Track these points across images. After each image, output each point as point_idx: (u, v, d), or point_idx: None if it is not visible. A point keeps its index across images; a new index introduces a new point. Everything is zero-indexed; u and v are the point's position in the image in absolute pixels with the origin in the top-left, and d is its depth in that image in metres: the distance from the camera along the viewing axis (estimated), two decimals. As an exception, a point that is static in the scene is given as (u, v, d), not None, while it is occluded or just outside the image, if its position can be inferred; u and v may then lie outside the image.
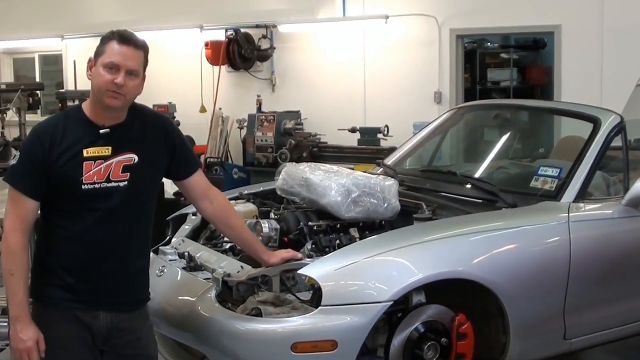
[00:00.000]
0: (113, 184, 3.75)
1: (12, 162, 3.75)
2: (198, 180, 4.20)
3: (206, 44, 12.46)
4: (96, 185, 3.72)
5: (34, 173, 3.67)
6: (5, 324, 5.60)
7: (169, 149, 4.00)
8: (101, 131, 3.76)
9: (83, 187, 3.69)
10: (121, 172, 3.77)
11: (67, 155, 3.68)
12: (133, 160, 3.81)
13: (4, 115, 11.97)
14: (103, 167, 3.74)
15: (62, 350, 3.79)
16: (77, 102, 11.36)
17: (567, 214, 5.18)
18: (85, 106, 3.81)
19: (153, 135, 3.93)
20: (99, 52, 3.72)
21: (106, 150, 3.75)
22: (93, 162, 3.72)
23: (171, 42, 13.43)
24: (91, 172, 3.70)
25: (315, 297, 4.41)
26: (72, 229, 3.75)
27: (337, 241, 5.02)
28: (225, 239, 5.51)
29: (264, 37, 12.63)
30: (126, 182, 3.78)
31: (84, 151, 3.71)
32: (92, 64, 3.75)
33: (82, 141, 3.72)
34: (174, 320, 4.65)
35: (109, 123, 3.78)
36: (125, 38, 3.73)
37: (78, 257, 3.77)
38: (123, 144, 3.80)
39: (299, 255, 4.63)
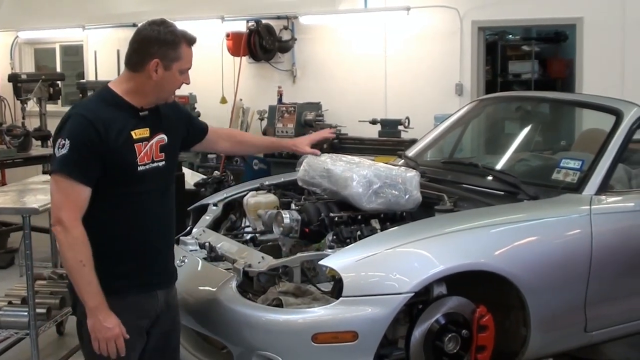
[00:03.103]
0: (156, 164, 3.90)
1: (62, 151, 3.65)
2: (211, 132, 4.54)
3: (227, 35, 12.45)
4: (147, 166, 3.85)
5: (91, 160, 3.67)
6: (25, 313, 5.67)
7: (183, 123, 4.23)
8: (141, 114, 3.88)
9: (139, 168, 3.81)
10: (159, 152, 3.92)
11: (121, 138, 3.75)
12: (164, 140, 3.95)
13: (25, 105, 12.00)
14: (148, 148, 3.86)
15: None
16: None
17: (588, 207, 5.17)
18: (119, 89, 3.87)
19: (172, 114, 4.10)
20: (173, 57, 3.83)
21: (146, 132, 3.88)
22: (141, 143, 3.83)
23: (192, 33, 13.41)
24: (142, 154, 3.83)
25: (336, 288, 4.42)
26: (129, 212, 3.84)
27: (358, 232, 5.01)
28: (247, 229, 5.54)
29: (285, 28, 12.60)
30: (164, 162, 3.94)
31: (132, 133, 3.81)
32: (158, 65, 3.80)
33: (128, 124, 3.80)
34: (195, 310, 4.67)
35: (146, 106, 3.90)
36: (193, 40, 3.96)
37: (137, 239, 3.87)
38: (156, 125, 3.93)
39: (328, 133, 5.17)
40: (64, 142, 3.67)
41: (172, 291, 4.17)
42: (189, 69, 3.95)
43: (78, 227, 3.66)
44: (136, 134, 3.82)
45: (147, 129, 3.87)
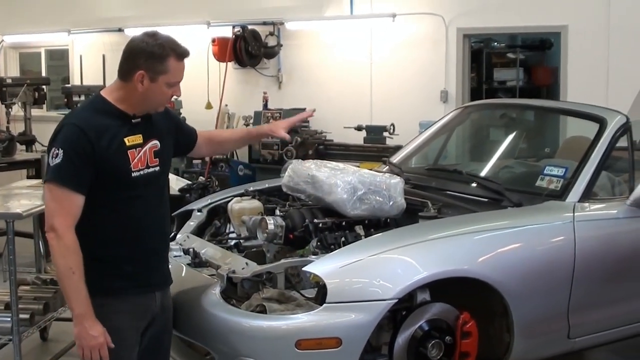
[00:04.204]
0: (151, 169, 3.97)
1: (55, 161, 3.71)
2: (200, 138, 4.58)
3: (213, 41, 12.45)
4: (141, 172, 3.91)
5: (84, 168, 3.73)
6: (8, 318, 5.65)
7: (173, 129, 4.27)
8: (134, 121, 3.93)
9: (133, 174, 3.87)
10: (153, 158, 3.98)
11: (114, 146, 3.81)
12: (157, 146, 4.02)
13: (10, 109, 11.96)
14: (142, 155, 3.92)
15: (118, 340, 3.87)
16: (82, 97, 11.43)
17: (572, 214, 5.19)
18: (111, 97, 3.92)
19: (162, 120, 4.14)
20: (159, 70, 3.85)
21: (139, 138, 3.94)
22: (134, 149, 3.89)
23: (178, 38, 13.39)
24: (136, 160, 3.89)
25: (320, 295, 4.42)
26: (125, 217, 3.89)
27: (343, 239, 5.01)
28: (231, 235, 5.54)
29: (271, 34, 12.62)
30: (158, 167, 4.01)
31: (125, 140, 3.87)
32: (144, 77, 3.83)
33: (121, 131, 3.86)
34: (178, 316, 4.65)
35: (138, 114, 3.95)
36: (183, 54, 3.98)
37: (134, 242, 3.93)
38: (149, 132, 3.99)
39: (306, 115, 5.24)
40: (57, 151, 3.73)
41: (167, 293, 4.25)
42: (179, 82, 3.97)
43: (70, 235, 3.72)
44: (129, 140, 3.88)
45: (140, 135, 3.93)
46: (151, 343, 4.13)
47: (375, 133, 11.03)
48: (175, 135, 4.28)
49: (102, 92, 3.97)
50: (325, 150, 11.16)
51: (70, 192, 3.71)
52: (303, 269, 4.53)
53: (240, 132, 5.17)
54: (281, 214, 5.32)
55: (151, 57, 3.82)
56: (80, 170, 3.72)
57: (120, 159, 3.84)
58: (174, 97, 4.03)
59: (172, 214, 6.01)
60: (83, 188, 3.74)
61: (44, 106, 13.76)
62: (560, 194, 5.37)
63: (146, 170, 3.93)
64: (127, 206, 3.89)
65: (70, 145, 3.73)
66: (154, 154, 3.99)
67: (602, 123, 5.65)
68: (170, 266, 4.94)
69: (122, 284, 3.91)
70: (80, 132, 3.73)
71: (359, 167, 5.93)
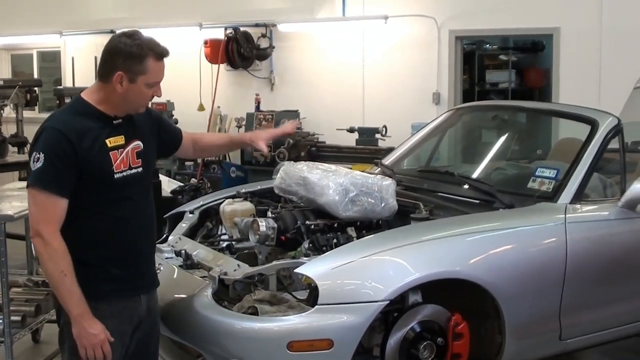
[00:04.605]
0: (134, 170, 3.93)
1: (37, 165, 3.68)
2: (187, 139, 4.56)
3: (205, 42, 12.45)
4: (124, 173, 3.87)
5: (66, 171, 3.70)
6: (0, 320, 5.64)
7: (156, 129, 4.22)
8: (115, 122, 3.90)
9: (115, 176, 3.84)
10: (136, 159, 3.95)
11: (95, 147, 3.78)
12: (140, 147, 3.99)
13: (2, 111, 11.92)
14: (124, 156, 3.89)
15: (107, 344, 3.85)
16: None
17: (564, 215, 5.19)
18: (91, 99, 3.88)
19: (143, 120, 4.10)
20: (138, 70, 3.80)
21: (121, 139, 3.90)
22: (116, 151, 3.86)
23: (170, 40, 13.27)
24: (118, 161, 3.85)
25: (312, 296, 4.42)
26: (109, 219, 3.86)
27: (334, 240, 5.02)
28: (223, 237, 5.54)
29: (264, 36, 12.62)
30: (141, 168, 3.97)
31: (107, 141, 3.83)
32: (123, 78, 3.79)
33: (103, 132, 3.83)
34: (170, 318, 4.65)
35: (119, 115, 3.91)
36: (162, 54, 3.89)
37: (120, 246, 3.90)
38: (131, 132, 3.96)
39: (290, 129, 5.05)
40: (38, 155, 3.70)
41: (154, 296, 4.21)
42: (158, 82, 3.92)
43: (57, 239, 3.69)
44: (111, 142, 3.85)
45: (122, 136, 3.90)
46: (139, 347, 4.10)
47: (367, 135, 11.04)
48: (159, 135, 4.25)
49: (82, 94, 3.93)
50: (318, 152, 11.15)
51: (53, 196, 3.69)
52: (295, 270, 4.53)
53: (223, 138, 5.12)
54: (273, 215, 5.32)
55: (129, 58, 3.78)
56: (62, 173, 3.69)
57: (103, 161, 3.80)
58: (156, 97, 3.98)
59: (164, 216, 6.03)
60: (66, 191, 3.71)
61: (36, 108, 13.73)
62: (552, 196, 5.38)
63: (129, 172, 3.90)
64: (111, 208, 3.86)
65: (51, 148, 3.69)
66: (136, 155, 3.96)
67: (593, 125, 5.66)
68: (162, 268, 4.97)
69: (108, 287, 3.88)
70: (60, 135, 3.70)
71: (351, 168, 5.93)
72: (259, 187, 6.28)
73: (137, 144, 3.98)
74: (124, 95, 3.82)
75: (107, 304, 3.87)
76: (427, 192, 5.84)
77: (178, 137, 4.51)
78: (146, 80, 3.83)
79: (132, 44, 3.79)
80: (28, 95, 12.01)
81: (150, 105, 4.15)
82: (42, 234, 3.68)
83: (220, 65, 12.50)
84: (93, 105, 3.86)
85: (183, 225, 5.85)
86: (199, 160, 11.77)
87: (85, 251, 3.81)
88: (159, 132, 4.25)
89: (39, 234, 3.69)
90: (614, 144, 5.64)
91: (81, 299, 3.73)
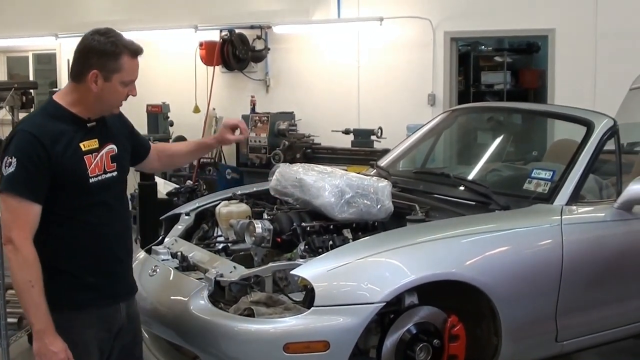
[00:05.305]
0: (109, 174, 3.82)
1: (9, 170, 3.56)
2: (153, 150, 4.39)
3: (200, 44, 12.46)
4: (99, 177, 3.76)
5: (39, 176, 3.59)
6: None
7: (128, 135, 4.12)
8: (88, 125, 3.78)
9: (90, 180, 3.72)
10: (111, 163, 3.84)
11: (69, 151, 3.66)
12: (114, 151, 3.88)
13: (-3, 113, 11.94)
14: (99, 160, 3.78)
15: (85, 354, 3.77)
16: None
17: (559, 217, 5.19)
18: (64, 101, 3.77)
19: (117, 124, 4.01)
20: (113, 68, 3.69)
21: (95, 143, 3.79)
22: (91, 155, 3.75)
23: (165, 42, 13.43)
24: (93, 165, 3.74)
25: (308, 298, 4.41)
26: (85, 225, 3.75)
27: (330, 242, 5.01)
28: (219, 239, 5.54)
29: (259, 37, 12.63)
30: (116, 172, 3.86)
31: (81, 145, 3.72)
32: (98, 77, 3.69)
33: (76, 136, 3.71)
34: (166, 320, 4.66)
35: (93, 117, 3.80)
36: (137, 51, 3.79)
37: (96, 252, 3.79)
38: (104, 136, 3.85)
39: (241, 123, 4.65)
40: (10, 160, 3.58)
41: (133, 303, 4.10)
42: (133, 80, 3.81)
43: (28, 247, 3.57)
44: (85, 145, 3.74)
45: (96, 139, 3.79)
46: (123, 354, 4.01)
47: (362, 136, 11.04)
48: (131, 140, 4.13)
49: (55, 97, 3.82)
50: (313, 153, 11.16)
51: (26, 202, 3.56)
52: (291, 272, 4.53)
53: (190, 144, 4.93)
54: (269, 217, 5.31)
55: (104, 56, 3.67)
56: (35, 178, 3.58)
57: (77, 165, 3.68)
58: (131, 95, 3.84)
59: (160, 218, 6.02)
60: (39, 197, 3.59)
61: (32, 110, 13.72)
62: (548, 197, 5.38)
63: (104, 176, 3.79)
64: (86, 214, 3.74)
65: (24, 153, 3.57)
66: (111, 159, 3.84)
67: (589, 126, 5.66)
68: (158, 270, 4.97)
69: (86, 296, 3.77)
70: (33, 139, 3.58)
71: (346, 170, 5.93)
72: (254, 189, 6.28)
73: (111, 147, 3.87)
74: (99, 94, 3.71)
75: (85, 313, 3.76)
76: (423, 194, 5.84)
77: (146, 148, 4.34)
78: (121, 78, 3.72)
79: (107, 42, 3.69)
80: (24, 98, 11.96)
81: (123, 105, 4.02)
82: (13, 241, 3.55)
83: (216, 67, 12.52)
84: (66, 108, 3.74)
85: (179, 227, 5.84)
86: (195, 162, 11.78)
87: (61, 259, 3.70)
88: (131, 138, 4.14)
89: (10, 241, 3.56)
90: (610, 145, 5.64)
91: (45, 314, 3.59)
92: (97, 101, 3.74)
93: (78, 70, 3.74)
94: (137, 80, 3.80)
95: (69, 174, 3.66)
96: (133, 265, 4.47)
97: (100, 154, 3.80)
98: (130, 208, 4.08)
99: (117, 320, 3.91)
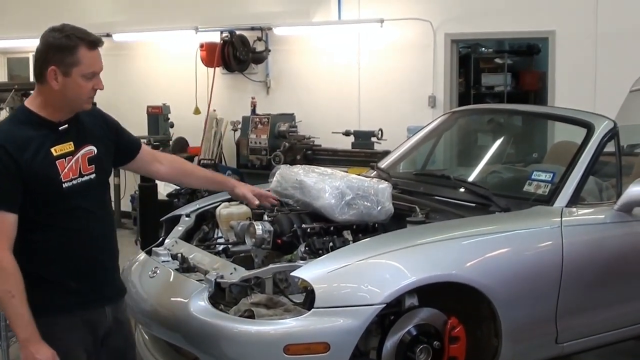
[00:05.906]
0: (86, 177, 3.76)
1: None
2: (144, 151, 4.31)
3: (201, 46, 12.44)
4: (74, 182, 3.70)
5: (10, 185, 3.54)
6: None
7: (112, 135, 4.03)
8: (60, 128, 3.72)
9: (64, 185, 3.66)
10: (88, 165, 3.77)
11: (39, 158, 3.60)
12: (93, 152, 3.81)
13: (-3, 114, 11.97)
14: (73, 163, 3.71)
15: (72, 359, 3.74)
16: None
17: (559, 219, 5.20)
18: (34, 106, 3.71)
19: (97, 124, 3.94)
20: (70, 62, 3.62)
21: (69, 146, 3.72)
22: (64, 159, 3.68)
23: (166, 44, 13.42)
24: (66, 170, 3.67)
25: (308, 300, 4.42)
26: (63, 231, 3.70)
27: (331, 244, 5.03)
28: (219, 240, 5.54)
29: (259, 39, 12.60)
30: (94, 174, 3.80)
31: (52, 150, 3.66)
32: (57, 73, 3.62)
33: (47, 141, 3.66)
34: (166, 321, 4.66)
35: (64, 119, 3.74)
36: (94, 42, 3.72)
37: (76, 257, 3.73)
38: (81, 137, 3.79)
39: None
40: None
41: (121, 306, 4.06)
42: (96, 73, 3.72)
43: (7, 257, 3.53)
44: (57, 150, 3.67)
45: (71, 143, 3.73)
46: (114, 357, 4.00)
47: (363, 138, 11.02)
48: (117, 141, 4.05)
49: (26, 102, 3.76)
50: (313, 155, 11.14)
51: (1, 212, 3.53)
52: (291, 274, 4.54)
53: (209, 174, 4.84)
54: (269, 219, 5.32)
55: (60, 50, 3.61)
56: (6, 187, 3.53)
57: (48, 171, 3.62)
58: (98, 89, 3.74)
59: (161, 219, 6.02)
60: (13, 206, 3.55)
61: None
62: (548, 199, 5.38)
63: (80, 179, 3.72)
64: (63, 219, 3.70)
65: None
66: (88, 161, 3.77)
67: (589, 128, 5.67)
68: (158, 271, 4.97)
69: (69, 301, 3.72)
70: (0, 148, 3.53)
71: (347, 172, 5.94)
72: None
73: (90, 149, 3.80)
74: (61, 91, 3.63)
75: (69, 317, 3.73)
76: (423, 196, 5.85)
77: (135, 147, 4.26)
78: (81, 72, 3.64)
79: (61, 37, 3.64)
80: (24, 99, 11.99)
81: (94, 102, 3.89)
82: None
83: (216, 68, 12.48)
84: (35, 113, 3.69)
85: (179, 229, 5.85)
86: (194, 163, 11.75)
87: (41, 266, 3.67)
88: (117, 137, 4.07)
89: None
90: (610, 147, 5.64)
91: (29, 323, 3.56)
92: (62, 99, 3.67)
93: (39, 70, 3.68)
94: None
95: (40, 180, 3.60)
96: (133, 267, 4.48)
97: (76, 157, 3.73)
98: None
99: (103, 324, 3.87)
